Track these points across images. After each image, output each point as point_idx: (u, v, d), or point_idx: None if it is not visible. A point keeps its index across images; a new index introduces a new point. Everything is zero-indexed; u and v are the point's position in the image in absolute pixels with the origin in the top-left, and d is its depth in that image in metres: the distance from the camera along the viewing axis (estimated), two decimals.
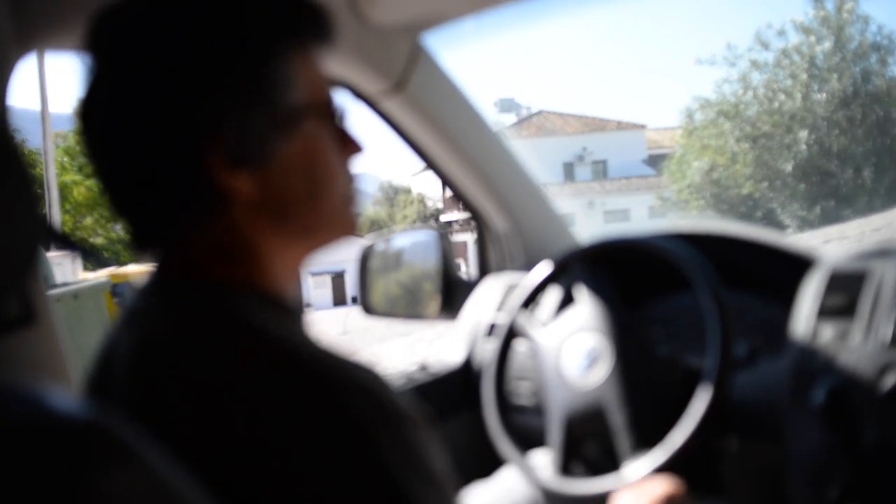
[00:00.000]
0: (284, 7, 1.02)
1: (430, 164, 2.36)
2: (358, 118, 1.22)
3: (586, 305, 1.78)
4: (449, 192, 2.54)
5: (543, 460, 1.76)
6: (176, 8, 0.99)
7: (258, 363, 0.91)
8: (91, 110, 1.01)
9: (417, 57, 2.08)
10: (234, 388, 0.89)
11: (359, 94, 2.09)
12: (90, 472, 0.61)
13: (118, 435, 0.65)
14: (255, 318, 0.97)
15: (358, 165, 1.16)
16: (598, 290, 1.78)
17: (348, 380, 0.91)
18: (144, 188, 1.00)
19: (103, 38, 1.00)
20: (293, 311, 1.06)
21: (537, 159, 2.59)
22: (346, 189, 1.10)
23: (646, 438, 1.59)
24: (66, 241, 1.42)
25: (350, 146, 1.11)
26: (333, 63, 1.86)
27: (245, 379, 0.89)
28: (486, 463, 2.13)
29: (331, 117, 1.08)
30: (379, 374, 0.97)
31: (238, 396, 0.88)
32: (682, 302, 2.24)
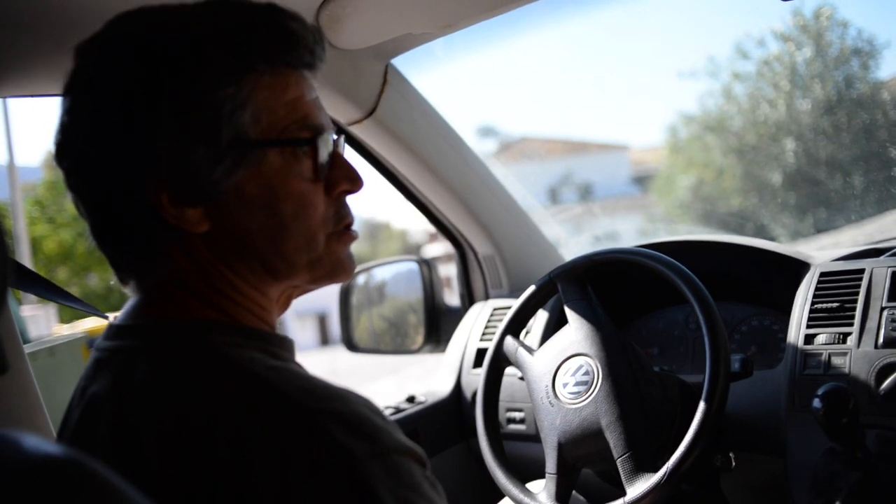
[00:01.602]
0: (230, 37, 0.98)
1: (406, 192, 2.32)
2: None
3: (576, 326, 1.73)
4: (431, 227, 2.50)
5: (541, 489, 1.70)
6: (116, 46, 0.97)
7: (241, 399, 0.87)
8: (57, 149, 1.00)
9: (388, 81, 2.04)
10: (218, 426, 0.85)
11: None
12: None
13: (95, 472, 0.63)
14: (235, 353, 0.94)
15: (353, 200, 1.11)
16: (587, 309, 1.73)
17: (337, 412, 0.87)
18: (106, 220, 1.00)
19: (68, 79, 1.00)
20: (278, 342, 1.02)
21: (521, 185, 2.55)
22: (327, 226, 1.05)
23: (644, 460, 1.54)
24: (36, 281, 1.40)
25: (341, 180, 1.06)
26: None
27: (228, 415, 0.86)
28: (481, 495, 2.08)
29: (308, 147, 1.02)
30: (371, 404, 0.93)
31: (222, 433, 0.84)
32: (672, 317, 2.21)
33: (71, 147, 0.99)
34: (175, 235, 0.97)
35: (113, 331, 1.02)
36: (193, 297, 0.99)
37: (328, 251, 1.05)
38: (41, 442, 0.62)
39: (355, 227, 1.11)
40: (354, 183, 1.07)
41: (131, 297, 1.04)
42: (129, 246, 1.00)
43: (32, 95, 1.53)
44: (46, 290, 1.46)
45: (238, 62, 0.97)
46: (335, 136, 1.07)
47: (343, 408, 0.88)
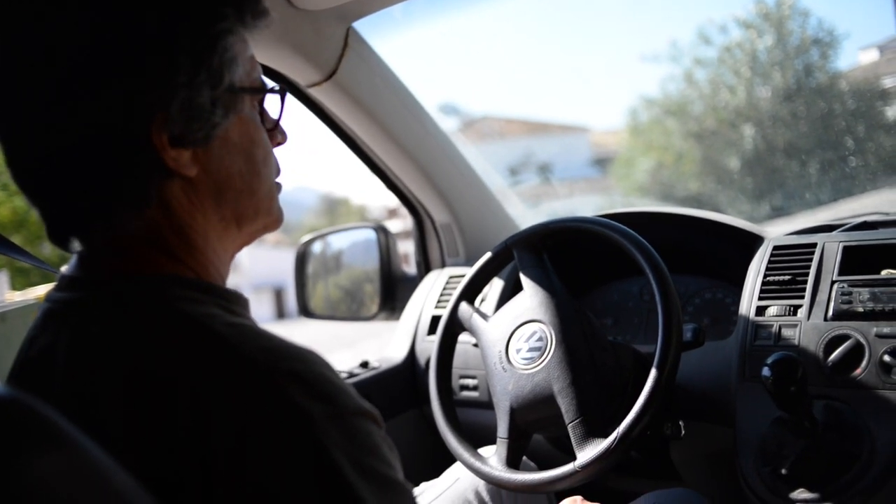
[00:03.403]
0: None
1: (365, 157, 2.31)
2: (292, 114, 1.20)
3: (531, 293, 1.73)
4: (390, 203, 2.50)
5: (492, 454, 1.71)
6: None
7: (198, 356, 0.87)
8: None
9: (349, 45, 2.02)
10: (175, 383, 0.84)
11: (288, 84, 2.02)
12: (21, 451, 0.60)
13: (40, 411, 0.64)
14: (193, 309, 0.93)
15: (281, 157, 1.15)
16: (543, 277, 1.73)
17: (296, 371, 0.87)
18: (81, 164, 0.94)
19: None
20: (235, 299, 1.02)
21: (482, 164, 2.55)
22: (274, 176, 1.10)
23: (595, 426, 1.55)
24: None
25: (278, 133, 1.11)
26: (261, 50, 1.80)
27: (186, 373, 0.85)
28: (434, 460, 2.08)
29: (262, 101, 1.07)
30: (328, 363, 0.93)
31: (180, 390, 0.83)
32: (627, 288, 2.22)
33: (43, 74, 0.94)
34: (158, 178, 0.95)
35: (66, 281, 1.00)
36: (156, 251, 0.98)
37: (275, 201, 1.11)
38: None
39: (313, 202, 1.15)
40: (284, 136, 1.13)
41: (83, 248, 1.01)
42: (103, 191, 0.95)
43: None
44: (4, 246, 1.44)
45: (237, 12, 0.99)
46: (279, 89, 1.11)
47: (301, 367, 0.88)
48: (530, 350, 1.66)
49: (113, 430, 0.84)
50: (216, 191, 1.00)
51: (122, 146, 0.93)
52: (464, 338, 1.92)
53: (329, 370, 0.91)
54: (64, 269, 1.04)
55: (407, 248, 2.77)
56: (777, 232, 1.92)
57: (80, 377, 0.91)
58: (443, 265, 2.55)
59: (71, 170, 0.94)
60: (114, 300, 0.95)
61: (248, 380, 0.84)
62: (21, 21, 0.93)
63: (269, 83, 1.08)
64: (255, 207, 1.06)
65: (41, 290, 1.82)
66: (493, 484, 1.66)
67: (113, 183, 0.95)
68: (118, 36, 0.91)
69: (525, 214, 2.78)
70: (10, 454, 0.59)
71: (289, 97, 1.16)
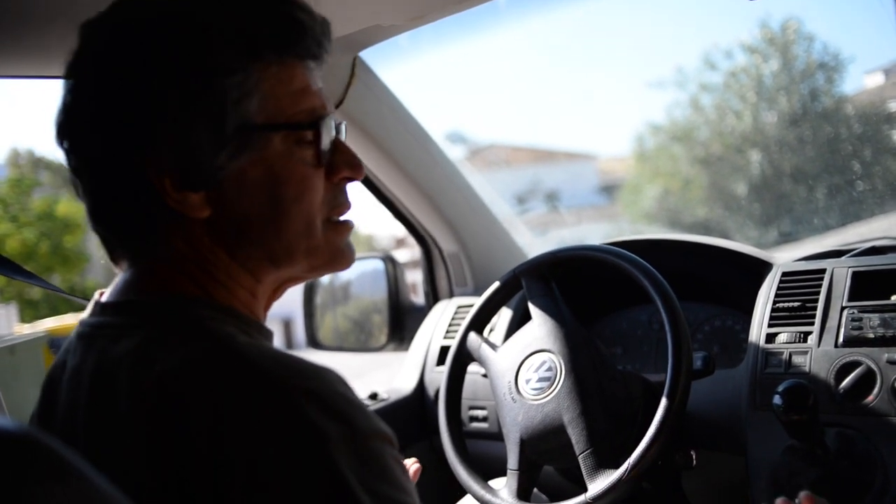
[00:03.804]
0: (240, 25, 0.98)
1: (372, 187, 2.31)
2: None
3: (539, 322, 1.72)
4: (398, 233, 2.50)
5: (502, 486, 1.70)
6: (125, 28, 0.97)
7: (218, 371, 0.87)
8: (58, 129, 1.00)
9: (356, 74, 2.03)
10: (194, 397, 0.85)
11: None
12: (28, 484, 0.61)
13: (49, 446, 0.64)
14: (215, 326, 0.94)
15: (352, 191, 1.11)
16: (551, 306, 1.73)
17: (313, 390, 0.87)
18: (106, 202, 1.00)
19: (72, 59, 1.00)
20: (257, 327, 1.02)
21: (490, 192, 2.55)
22: (324, 210, 1.05)
23: (606, 456, 1.54)
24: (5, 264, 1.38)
25: (342, 166, 1.06)
26: None
27: (205, 387, 0.86)
28: (444, 492, 2.07)
29: (311, 135, 1.01)
30: (346, 382, 0.93)
31: (198, 404, 0.84)
32: (636, 317, 2.21)
33: (74, 128, 0.99)
34: (176, 220, 0.98)
35: (98, 307, 1.03)
36: (182, 277, 1.00)
37: (326, 241, 1.05)
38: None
39: None
40: (355, 169, 1.07)
41: (118, 276, 1.04)
42: (128, 228, 1.01)
43: (25, 76, 1.53)
44: (18, 272, 1.46)
45: (247, 51, 0.97)
46: (337, 123, 1.07)
47: (319, 386, 0.88)
48: (540, 380, 1.65)
49: (132, 443, 0.85)
50: (238, 231, 1.00)
51: (126, 187, 0.97)
52: (473, 368, 1.91)
53: (347, 389, 0.91)
54: (98, 295, 1.06)
55: (415, 278, 2.77)
56: (786, 258, 1.92)
57: (102, 393, 0.93)
58: (451, 295, 2.55)
59: (98, 206, 1.01)
60: (136, 321, 0.97)
61: (266, 396, 0.85)
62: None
63: (323, 117, 1.03)
64: (286, 247, 1.02)
65: (50, 323, 1.82)
66: None
67: (125, 219, 1.00)
68: (113, 82, 0.95)
69: (533, 243, 2.77)
70: (19, 488, 0.60)
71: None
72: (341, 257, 1.08)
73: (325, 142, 1.03)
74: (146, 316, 0.97)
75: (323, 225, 1.05)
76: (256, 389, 0.86)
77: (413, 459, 1.59)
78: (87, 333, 1.00)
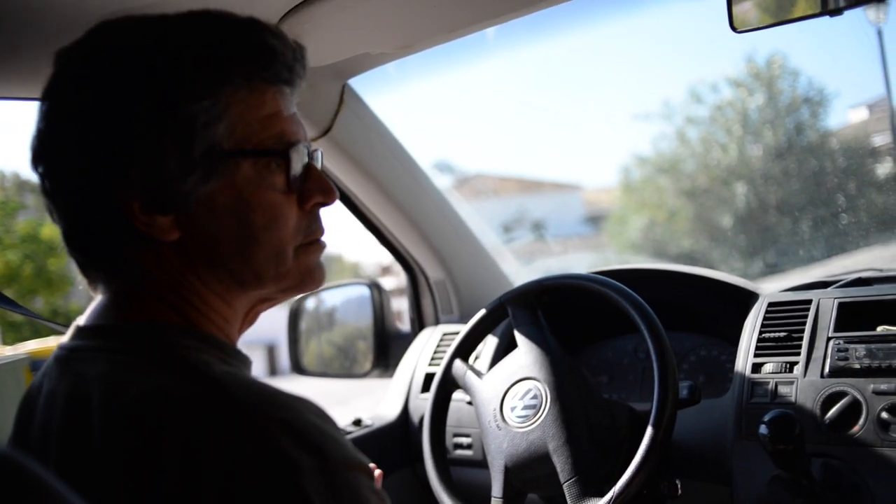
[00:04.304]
0: (208, 51, 0.98)
1: (359, 214, 2.31)
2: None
3: (525, 350, 1.72)
4: (384, 260, 2.50)
5: None
6: (97, 54, 0.97)
7: (192, 398, 0.87)
8: (32, 154, 1.00)
9: (345, 101, 2.03)
10: (167, 424, 0.85)
11: None
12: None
13: (30, 470, 0.63)
14: (191, 355, 0.94)
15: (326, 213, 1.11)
16: (537, 334, 1.72)
17: (287, 420, 0.87)
18: (78, 225, 1.00)
19: (47, 85, 1.00)
20: (234, 354, 1.02)
21: (477, 220, 2.55)
22: (296, 238, 1.05)
23: (590, 485, 1.53)
24: None
25: (314, 192, 1.06)
26: None
27: (178, 414, 0.85)
28: None
29: (281, 159, 1.01)
30: (322, 412, 0.92)
31: (171, 431, 0.84)
32: (622, 346, 2.21)
33: (47, 152, 0.99)
34: (146, 243, 0.98)
35: (76, 331, 1.02)
36: (159, 303, 0.99)
37: (296, 263, 1.05)
38: None
39: None
40: (327, 195, 1.07)
41: (96, 300, 1.04)
42: (99, 251, 1.00)
43: (9, 98, 1.53)
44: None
45: (215, 76, 0.97)
46: (311, 149, 1.06)
47: (293, 416, 0.87)
48: (525, 408, 1.64)
49: (105, 468, 0.85)
50: (207, 254, 1.00)
51: (96, 210, 0.97)
52: (458, 395, 1.90)
53: (321, 419, 0.91)
54: (78, 320, 1.05)
55: (400, 306, 2.76)
56: (772, 288, 1.92)
57: (76, 421, 0.92)
58: (437, 322, 2.54)
59: (71, 230, 1.01)
60: (113, 346, 0.96)
61: (239, 425, 0.85)
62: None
63: (296, 142, 1.03)
64: (255, 272, 1.02)
65: (32, 345, 1.80)
66: None
67: (97, 242, 1.00)
68: (84, 107, 0.95)
69: (519, 271, 2.77)
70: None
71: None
72: (311, 278, 1.08)
73: (296, 168, 1.03)
74: (122, 341, 0.97)
75: (294, 250, 1.04)
76: (230, 418, 0.85)
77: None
78: (63, 357, 1.00)
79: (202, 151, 0.96)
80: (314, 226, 1.07)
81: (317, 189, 1.06)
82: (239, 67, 0.99)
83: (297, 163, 1.03)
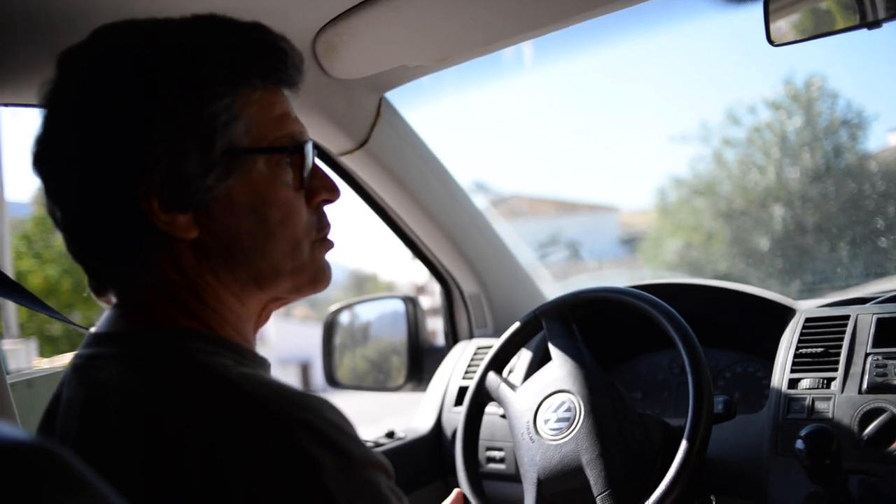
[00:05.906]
0: (227, 52, 1.01)
1: (394, 226, 2.32)
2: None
3: (559, 363, 1.71)
4: (418, 280, 2.51)
5: None
6: (109, 56, 0.99)
7: (212, 402, 0.88)
8: (35, 155, 1.01)
9: (381, 114, 2.05)
10: (188, 428, 0.86)
11: (320, 152, 2.04)
12: (44, 496, 0.60)
13: (63, 458, 0.64)
14: (208, 359, 0.95)
15: (334, 211, 1.14)
16: (572, 347, 1.72)
17: (308, 420, 0.88)
18: (91, 229, 1.00)
19: (49, 89, 1.01)
20: (251, 356, 1.03)
21: (512, 238, 2.56)
22: (310, 234, 1.08)
23: (624, 499, 1.52)
24: (15, 289, 1.40)
25: (320, 190, 1.10)
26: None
27: (199, 418, 0.87)
28: None
29: (294, 158, 1.06)
30: (341, 413, 0.94)
31: (193, 436, 0.85)
32: (656, 361, 2.20)
33: (55, 156, 1.00)
34: (163, 243, 0.99)
35: (91, 338, 1.03)
36: (174, 306, 1.00)
37: (311, 258, 1.08)
38: (11, 429, 0.62)
39: (342, 278, 1.13)
40: (332, 192, 1.11)
41: (109, 307, 1.05)
42: (114, 253, 1.01)
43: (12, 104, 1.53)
44: (27, 299, 1.46)
45: (235, 76, 1.00)
46: (311, 150, 1.10)
47: (313, 416, 0.89)
48: (559, 420, 1.64)
49: (125, 476, 0.84)
50: (225, 252, 1.01)
51: (113, 211, 0.98)
52: (491, 409, 1.90)
53: (341, 419, 0.92)
54: (93, 327, 1.06)
55: (435, 325, 2.76)
56: (809, 305, 1.90)
57: (94, 427, 0.93)
58: (471, 336, 2.54)
59: (84, 233, 1.02)
60: (129, 352, 0.97)
61: (260, 426, 0.86)
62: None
63: (302, 141, 1.07)
64: (273, 268, 1.05)
65: (68, 358, 1.82)
66: None
67: (113, 245, 1.00)
68: (105, 108, 0.96)
69: (554, 287, 2.77)
70: (33, 499, 0.60)
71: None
72: (323, 275, 1.11)
73: (309, 164, 1.07)
74: (137, 347, 0.98)
75: (309, 245, 1.08)
76: (250, 419, 0.86)
77: (456, 490, 1.58)
78: (80, 365, 1.01)
79: (222, 149, 0.98)
80: (323, 221, 1.11)
81: (322, 186, 1.10)
82: (256, 68, 1.02)
83: (309, 160, 1.07)
